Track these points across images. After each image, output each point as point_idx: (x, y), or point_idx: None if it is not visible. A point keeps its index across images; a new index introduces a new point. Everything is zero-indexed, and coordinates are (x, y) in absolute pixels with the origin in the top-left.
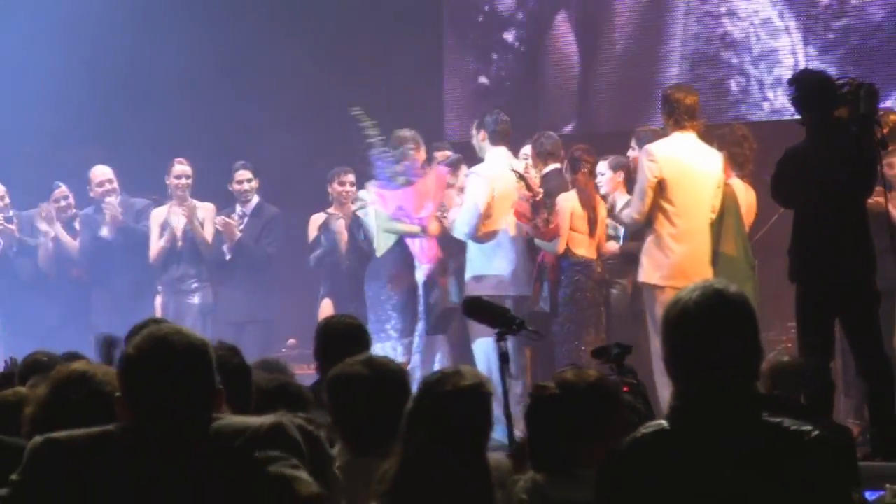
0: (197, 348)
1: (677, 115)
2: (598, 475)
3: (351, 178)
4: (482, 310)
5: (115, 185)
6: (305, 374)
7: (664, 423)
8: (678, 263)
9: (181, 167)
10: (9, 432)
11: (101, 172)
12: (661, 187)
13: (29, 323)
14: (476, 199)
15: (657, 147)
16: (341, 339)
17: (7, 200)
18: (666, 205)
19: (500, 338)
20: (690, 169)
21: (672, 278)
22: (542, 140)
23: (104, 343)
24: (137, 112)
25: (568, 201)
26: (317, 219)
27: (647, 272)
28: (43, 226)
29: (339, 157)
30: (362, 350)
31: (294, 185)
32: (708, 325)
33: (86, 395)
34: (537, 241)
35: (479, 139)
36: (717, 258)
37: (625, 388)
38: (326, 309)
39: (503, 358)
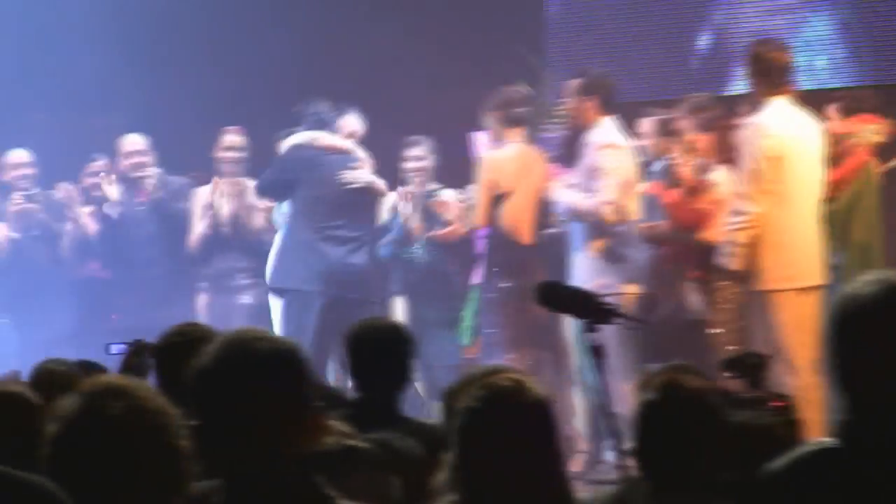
0: (286, 357)
1: (773, 77)
2: (747, 497)
3: (418, 151)
4: (560, 298)
5: (149, 158)
6: None
7: (831, 440)
8: (799, 257)
9: (232, 137)
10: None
11: (132, 142)
12: (774, 168)
13: (42, 326)
14: (620, 175)
15: (768, 120)
16: (376, 347)
17: (29, 172)
18: (780, 189)
19: (588, 329)
20: (801, 143)
21: (795, 278)
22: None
23: (134, 352)
24: (177, 74)
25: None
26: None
27: (771, 277)
28: (68, 210)
29: (409, 129)
30: (404, 360)
31: None
32: (890, 324)
33: (124, 410)
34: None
35: (586, 106)
36: (847, 245)
37: (775, 403)
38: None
39: (596, 352)
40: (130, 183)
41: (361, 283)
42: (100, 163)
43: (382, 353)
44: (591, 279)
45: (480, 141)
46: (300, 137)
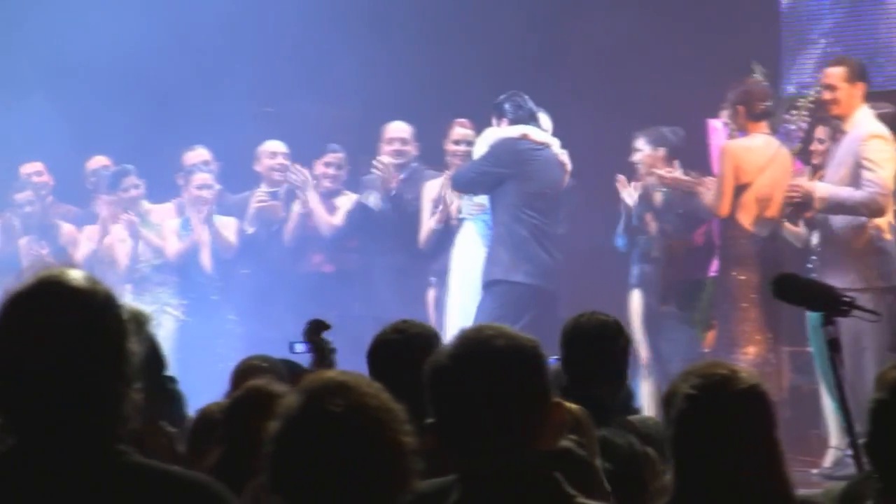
0: (526, 353)
1: None
2: None
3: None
4: (797, 290)
5: (411, 147)
6: None
7: None
8: None
9: (461, 130)
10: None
11: (397, 129)
12: None
13: (268, 323)
14: (891, 165)
15: None
16: (589, 343)
17: (282, 162)
18: None
19: (826, 321)
20: None
21: None
22: None
23: (310, 328)
24: (431, 57)
25: None
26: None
27: None
28: (300, 193)
29: (643, 120)
30: (618, 356)
31: (595, 156)
32: None
33: (346, 408)
34: None
35: (851, 94)
36: None
37: None
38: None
39: (832, 345)
40: (385, 172)
41: (568, 277)
42: (337, 155)
43: (596, 349)
44: (848, 274)
45: (718, 129)
46: (511, 131)
